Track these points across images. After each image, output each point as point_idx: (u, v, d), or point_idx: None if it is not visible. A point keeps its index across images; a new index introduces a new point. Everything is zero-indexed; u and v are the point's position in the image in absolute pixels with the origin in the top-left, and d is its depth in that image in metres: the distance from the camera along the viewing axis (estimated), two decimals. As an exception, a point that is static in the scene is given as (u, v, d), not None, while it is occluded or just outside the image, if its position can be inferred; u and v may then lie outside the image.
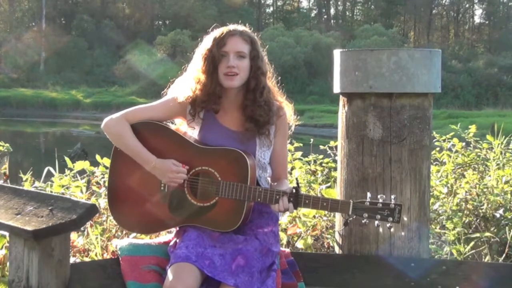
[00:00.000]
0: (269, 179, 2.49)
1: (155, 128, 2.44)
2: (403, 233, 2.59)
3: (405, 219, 2.57)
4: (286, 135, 2.55)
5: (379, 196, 2.24)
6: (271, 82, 2.51)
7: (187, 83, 2.46)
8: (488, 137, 4.34)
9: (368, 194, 2.26)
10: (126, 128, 2.41)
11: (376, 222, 2.23)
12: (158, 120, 2.46)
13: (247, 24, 2.50)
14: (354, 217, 2.25)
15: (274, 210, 2.33)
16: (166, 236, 2.56)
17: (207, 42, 2.43)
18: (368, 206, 2.23)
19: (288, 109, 2.53)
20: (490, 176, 4.06)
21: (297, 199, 2.27)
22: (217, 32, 2.42)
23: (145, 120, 2.44)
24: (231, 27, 2.44)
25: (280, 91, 2.55)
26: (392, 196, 2.24)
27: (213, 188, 2.34)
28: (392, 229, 2.25)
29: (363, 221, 2.24)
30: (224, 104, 2.44)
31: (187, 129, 2.49)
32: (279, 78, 2.57)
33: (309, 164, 4.16)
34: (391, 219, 2.21)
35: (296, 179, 2.38)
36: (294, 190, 2.28)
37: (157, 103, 2.49)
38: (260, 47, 2.45)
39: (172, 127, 2.51)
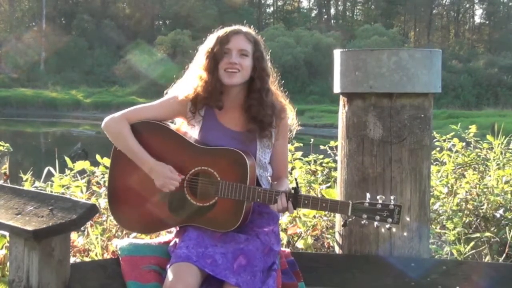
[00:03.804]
0: (269, 178, 2.50)
1: (155, 128, 2.44)
2: (405, 234, 2.58)
3: (408, 219, 2.56)
4: (287, 136, 2.55)
5: (378, 197, 2.23)
6: (274, 86, 2.51)
7: (189, 81, 2.46)
8: (488, 137, 4.34)
9: (368, 195, 2.25)
10: (126, 129, 2.41)
11: (376, 223, 2.22)
12: (158, 120, 2.46)
13: (251, 26, 2.50)
14: (353, 218, 2.24)
15: (273, 210, 2.33)
16: (166, 236, 2.56)
17: (210, 40, 2.44)
18: (367, 207, 2.22)
19: (290, 112, 2.53)
20: (490, 176, 4.06)
21: (296, 199, 2.27)
22: (221, 31, 2.43)
23: (146, 120, 2.44)
24: (236, 27, 2.45)
25: (283, 94, 2.56)
26: (392, 197, 2.23)
27: (213, 188, 2.34)
28: (394, 229, 2.24)
29: (362, 222, 2.24)
30: (225, 103, 2.44)
31: (187, 129, 2.49)
32: (280, 78, 2.57)
33: (309, 164, 4.16)
34: (390, 220, 2.20)
35: (296, 179, 2.38)
36: (293, 191, 2.28)
37: (158, 102, 2.49)
38: (263, 48, 2.46)
39: (173, 127, 2.51)
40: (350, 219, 2.25)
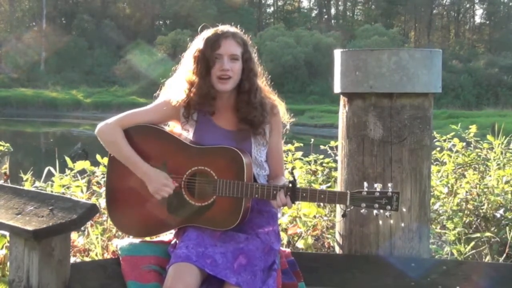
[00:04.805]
0: (267, 177, 2.50)
1: (150, 131, 2.43)
2: (402, 224, 2.58)
3: (404, 210, 2.56)
4: (281, 133, 2.55)
5: (376, 185, 2.23)
6: (261, 81, 2.50)
7: (179, 85, 2.45)
8: (489, 137, 4.34)
9: (365, 184, 2.26)
10: (120, 137, 2.40)
11: (375, 211, 2.22)
12: (152, 124, 2.45)
13: (238, 26, 2.49)
14: (352, 207, 2.24)
15: (273, 205, 2.34)
16: (166, 236, 2.56)
17: (198, 43, 2.42)
18: (366, 195, 2.22)
19: (281, 107, 2.53)
20: (490, 176, 4.06)
21: (294, 192, 2.27)
22: (209, 34, 2.40)
23: (140, 124, 2.44)
24: (223, 28, 2.42)
25: (271, 89, 2.55)
26: (389, 185, 2.23)
27: (210, 187, 2.34)
28: (392, 221, 2.24)
29: (361, 211, 2.23)
30: (218, 105, 2.44)
31: (181, 131, 2.48)
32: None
33: (310, 164, 4.16)
34: (389, 207, 2.20)
35: (292, 173, 2.36)
36: (290, 184, 2.28)
37: (150, 107, 2.48)
38: (251, 48, 2.45)
39: (167, 129, 2.50)
40: (349, 209, 2.25)
